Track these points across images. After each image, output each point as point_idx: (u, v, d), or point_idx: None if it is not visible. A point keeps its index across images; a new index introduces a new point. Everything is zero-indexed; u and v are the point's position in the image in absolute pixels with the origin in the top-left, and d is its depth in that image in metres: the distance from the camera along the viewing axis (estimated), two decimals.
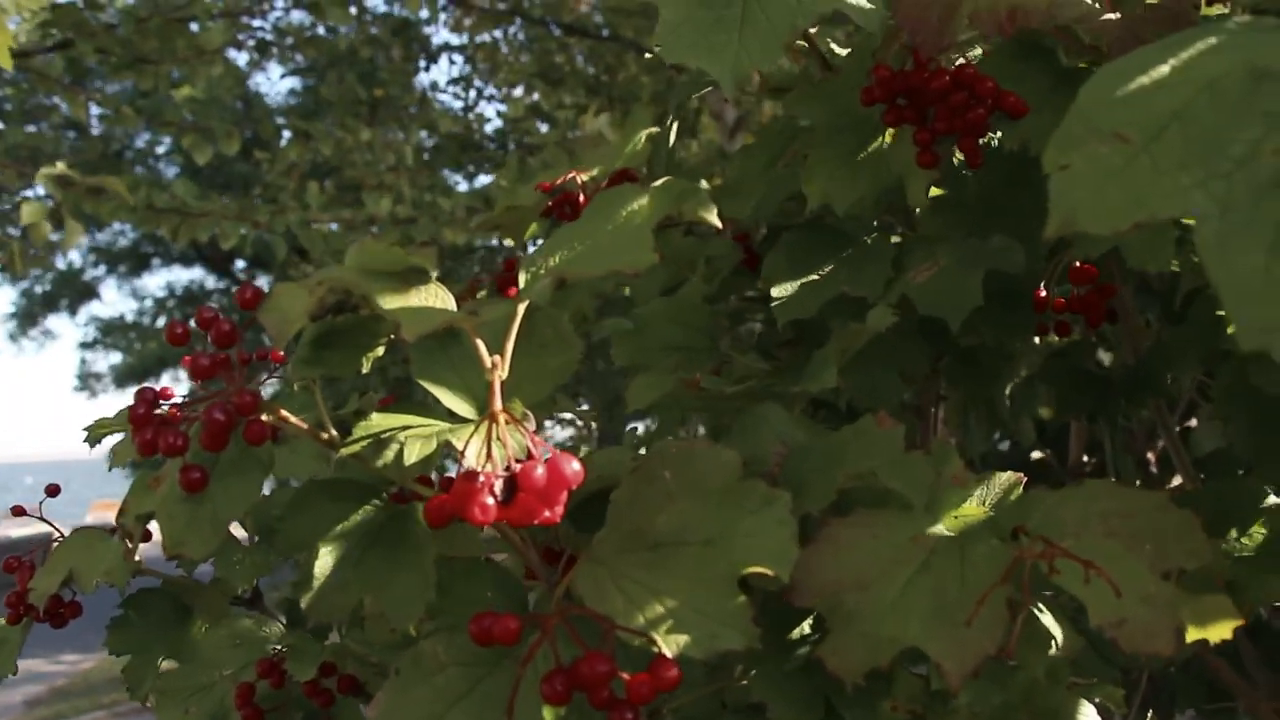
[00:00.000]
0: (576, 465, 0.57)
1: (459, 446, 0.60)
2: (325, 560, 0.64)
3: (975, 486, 0.80)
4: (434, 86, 10.47)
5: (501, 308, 0.59)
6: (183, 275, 17.32)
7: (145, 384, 0.65)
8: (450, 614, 0.66)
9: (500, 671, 0.62)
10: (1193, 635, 0.72)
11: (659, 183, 0.62)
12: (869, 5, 0.85)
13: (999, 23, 0.78)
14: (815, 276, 0.99)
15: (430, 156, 6.54)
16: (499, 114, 7.19)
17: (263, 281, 16.60)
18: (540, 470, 0.56)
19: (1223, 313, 1.17)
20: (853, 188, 0.94)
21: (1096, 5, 0.85)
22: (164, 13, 3.82)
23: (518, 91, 6.79)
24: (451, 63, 7.63)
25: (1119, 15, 0.87)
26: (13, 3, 1.58)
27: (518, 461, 0.57)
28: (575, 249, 0.63)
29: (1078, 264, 0.96)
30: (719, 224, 0.60)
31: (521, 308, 0.61)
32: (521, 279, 0.64)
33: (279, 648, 0.95)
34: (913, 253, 0.96)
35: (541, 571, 0.72)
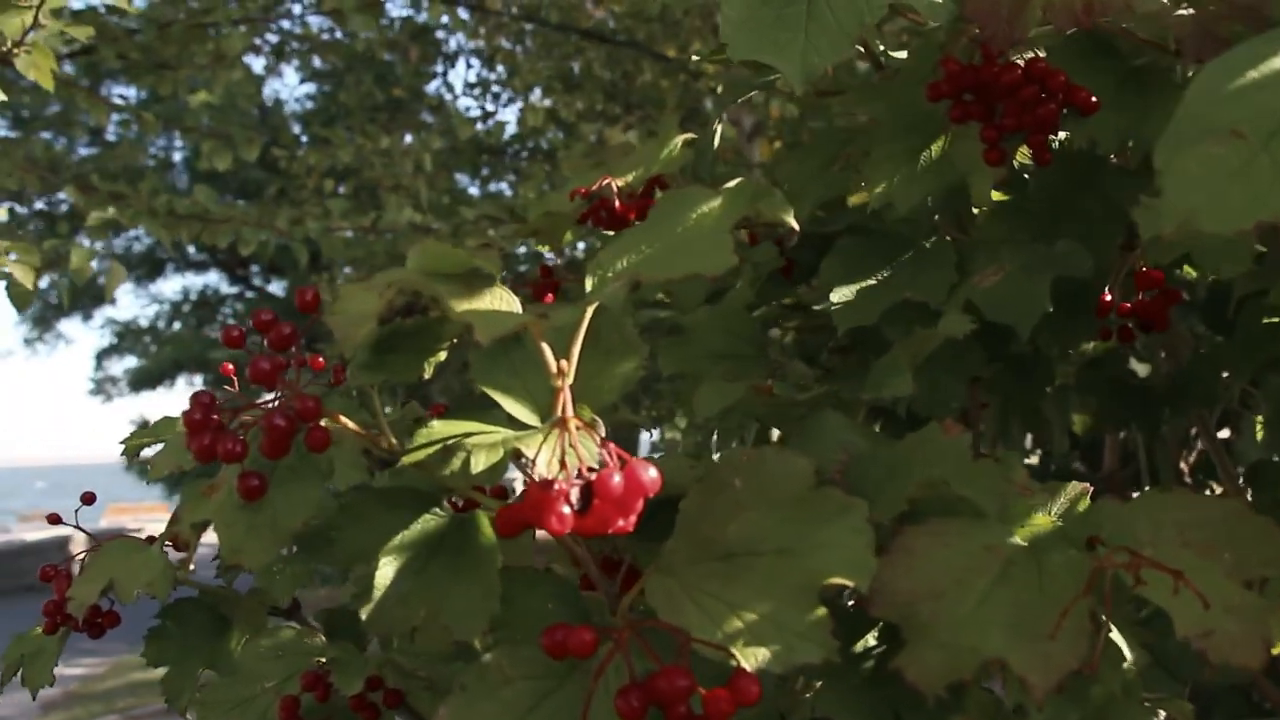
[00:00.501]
0: (654, 472, 0.55)
1: (529, 454, 0.58)
2: (386, 571, 0.62)
3: (1042, 496, 0.79)
4: (450, 90, 10.50)
5: (570, 311, 0.58)
6: (198, 280, 17.34)
7: (201, 389, 0.63)
8: (512, 626, 0.65)
9: (569, 685, 0.60)
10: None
11: (732, 184, 0.60)
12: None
13: (1075, 16, 0.77)
14: (873, 281, 0.97)
15: (447, 159, 6.53)
16: (517, 121, 7.17)
17: (276, 288, 16.65)
18: (618, 478, 0.54)
19: (1274, 320, 1.15)
20: (915, 187, 0.92)
21: (1167, 1, 0.84)
22: (186, 18, 3.82)
23: (535, 95, 6.78)
24: (469, 66, 7.65)
25: (1191, 11, 0.85)
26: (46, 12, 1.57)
27: (590, 469, 0.56)
28: (644, 252, 0.61)
29: (1143, 268, 0.94)
30: (796, 225, 0.58)
31: (590, 311, 0.59)
32: (588, 283, 0.62)
33: (322, 660, 0.93)
34: (975, 257, 0.94)
35: (601, 582, 0.70)
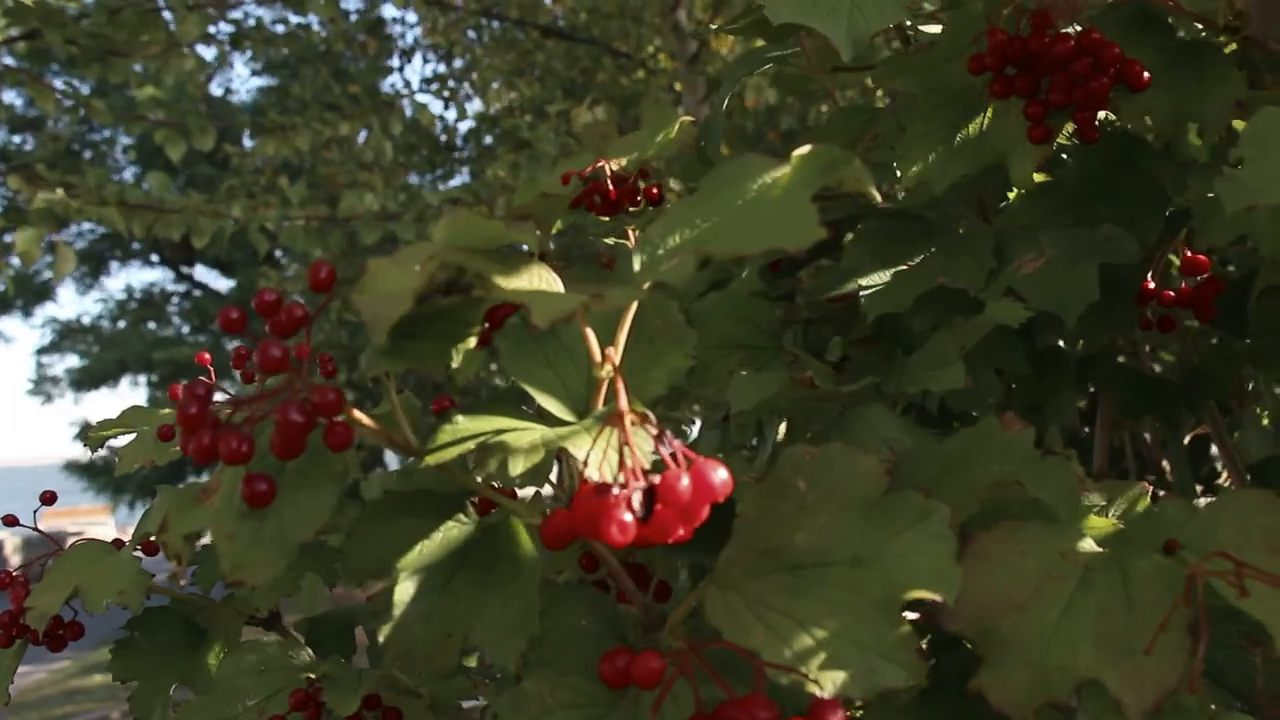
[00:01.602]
0: (724, 473, 0.49)
1: (577, 454, 0.51)
2: (406, 586, 0.55)
3: (1099, 496, 0.73)
4: (408, 85, 10.35)
5: (627, 292, 0.51)
6: (142, 277, 17.01)
7: (196, 379, 0.56)
8: (544, 645, 0.58)
9: (616, 715, 0.53)
10: None
11: (804, 150, 0.54)
12: None
13: None
14: (903, 267, 0.91)
15: (404, 156, 6.42)
16: (476, 114, 7.04)
17: (222, 285, 16.36)
18: (685, 480, 0.48)
19: None
20: (951, 167, 0.87)
21: None
22: (137, 3, 3.68)
23: (495, 86, 6.68)
24: (426, 60, 7.50)
25: None
26: None
27: (644, 470, 0.49)
28: (700, 226, 0.55)
29: (1189, 253, 0.88)
30: (878, 196, 0.52)
31: (640, 294, 0.53)
32: (635, 261, 0.55)
33: (312, 676, 0.86)
34: (1013, 242, 0.88)
35: (636, 596, 0.64)
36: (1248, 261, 1.08)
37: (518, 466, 0.52)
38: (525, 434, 0.55)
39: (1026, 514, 0.65)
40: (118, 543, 0.96)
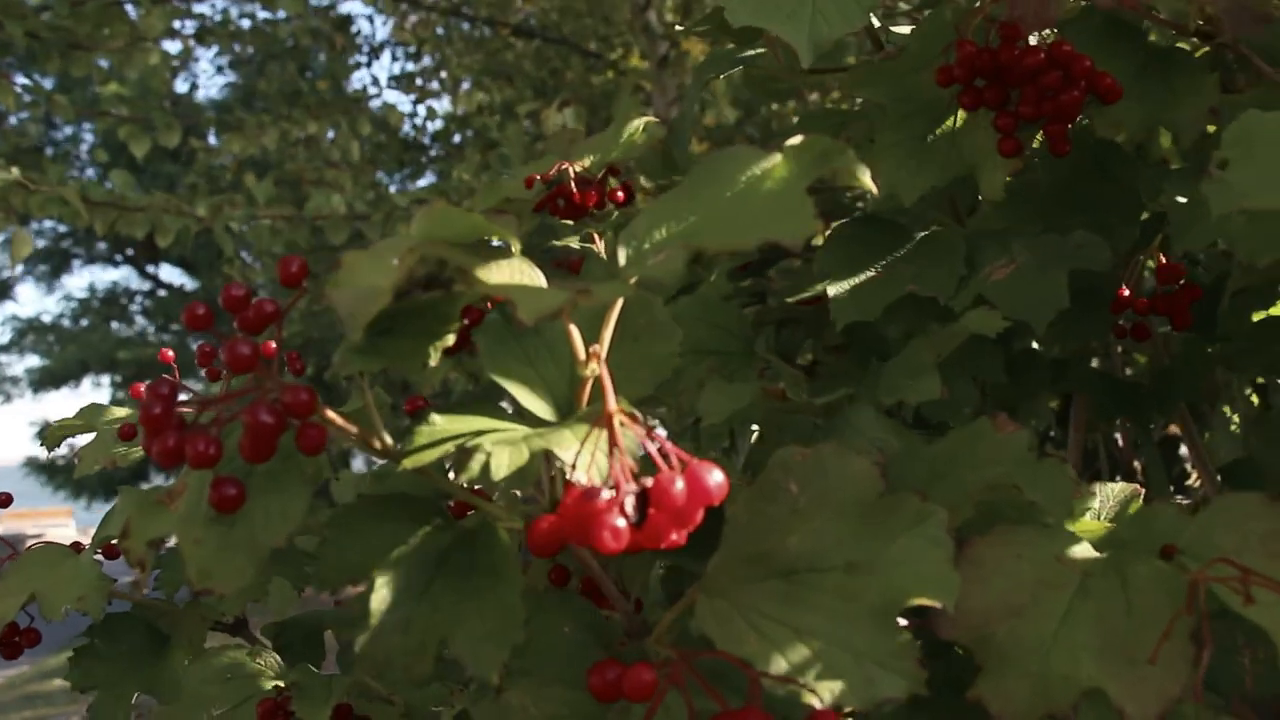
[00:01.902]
0: (719, 476, 0.47)
1: (564, 456, 0.49)
2: (383, 594, 0.53)
3: (1089, 499, 0.72)
4: (375, 83, 10.27)
5: (614, 287, 0.49)
6: (105, 276, 16.79)
7: (160, 378, 0.53)
8: (525, 654, 0.56)
9: None
10: None
11: (796, 141, 0.52)
12: None
13: None
14: (873, 273, 0.90)
15: (372, 155, 6.36)
16: (443, 114, 6.99)
17: (189, 284, 16.16)
18: (680, 484, 0.46)
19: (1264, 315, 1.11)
20: (921, 178, 0.85)
21: None
22: None
23: (464, 88, 6.63)
24: (394, 59, 7.43)
25: None
26: None
27: (633, 473, 0.47)
28: (688, 219, 0.53)
29: (1164, 260, 0.87)
30: (875, 188, 0.50)
31: (627, 289, 0.50)
32: (620, 255, 0.53)
33: (280, 684, 0.83)
34: (984, 249, 0.87)
35: (621, 604, 0.62)
36: (1218, 264, 1.07)
37: (501, 468, 0.49)
38: (507, 435, 0.52)
39: (1020, 517, 0.63)
40: (77, 546, 0.93)
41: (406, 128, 6.94)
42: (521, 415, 0.58)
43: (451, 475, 0.52)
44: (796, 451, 0.55)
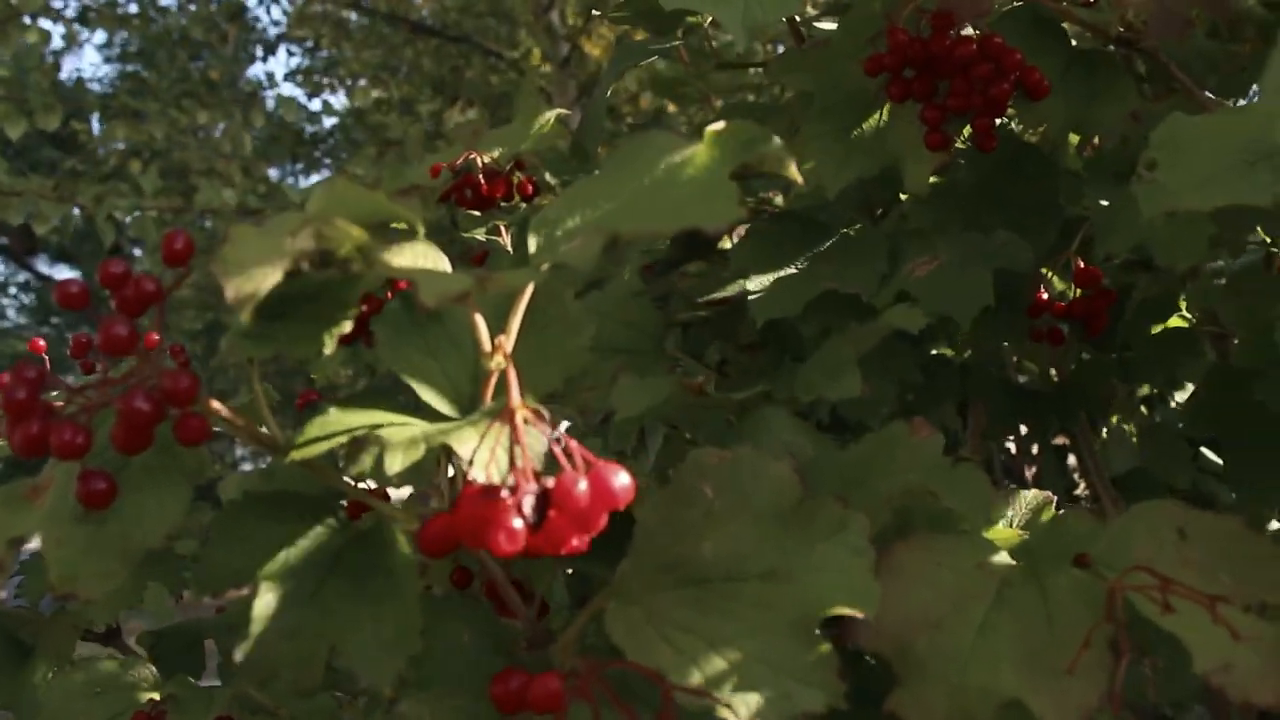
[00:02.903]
0: (625, 478, 0.44)
1: (461, 451, 0.46)
2: (267, 598, 0.49)
3: (1003, 506, 0.71)
4: (270, 79, 10.03)
5: (522, 274, 0.46)
6: None
7: (23, 359, 0.48)
8: (422, 662, 0.52)
9: None
10: None
11: (718, 127, 0.49)
12: None
13: None
14: (793, 270, 0.88)
15: (264, 148, 6.19)
16: (340, 109, 6.85)
17: (66, 275, 15.57)
18: (583, 485, 0.43)
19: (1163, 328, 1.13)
20: (845, 170, 0.84)
21: None
22: None
23: (361, 84, 6.51)
24: (290, 54, 7.25)
25: None
26: None
27: (535, 473, 0.44)
28: (604, 206, 0.50)
29: (1082, 265, 0.88)
30: (800, 178, 0.48)
31: (537, 276, 0.47)
32: (531, 242, 0.50)
33: (154, 697, 0.78)
34: (906, 246, 0.86)
35: (522, 611, 0.58)
36: (1121, 275, 1.09)
37: (395, 463, 0.46)
38: (404, 429, 0.49)
39: (934, 524, 0.62)
40: None
41: (301, 121, 6.79)
42: (420, 410, 0.55)
43: (343, 469, 0.48)
44: (712, 453, 0.53)
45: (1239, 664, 0.53)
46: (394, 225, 0.51)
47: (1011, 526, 0.70)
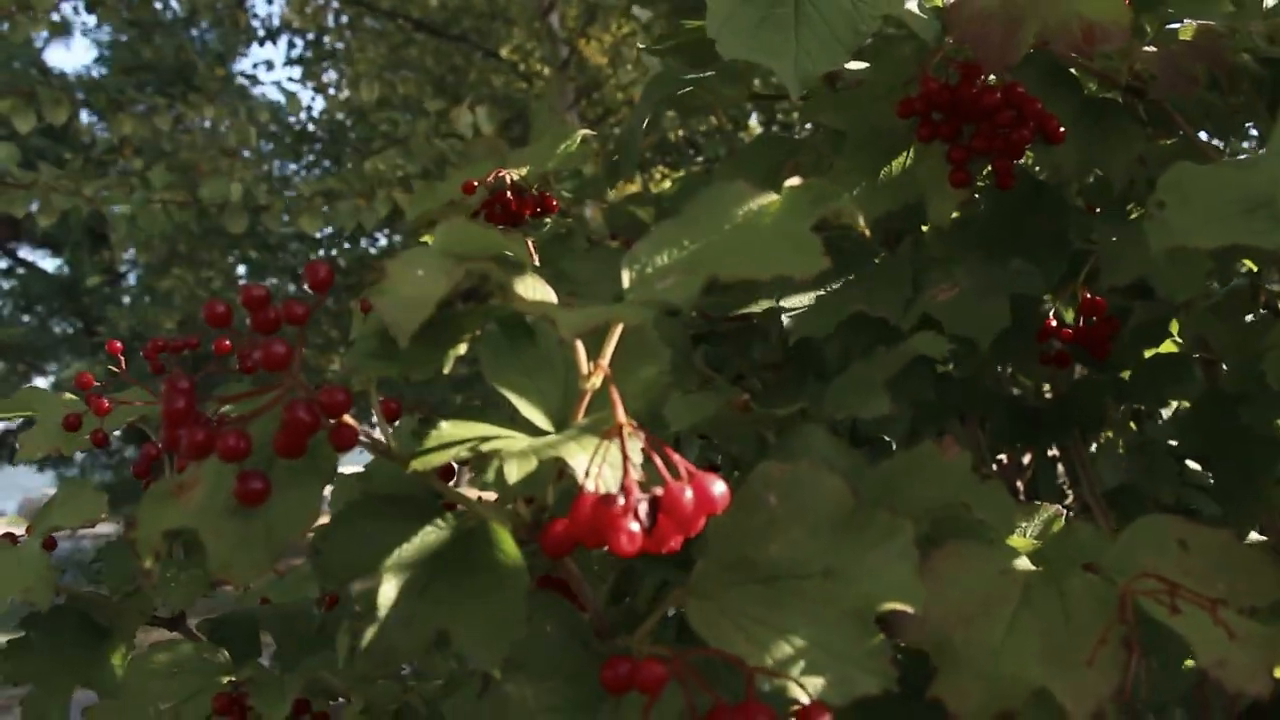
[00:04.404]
0: (722, 487, 0.51)
1: (574, 464, 0.53)
2: (387, 590, 0.55)
3: (1021, 518, 0.78)
4: (269, 67, 10.01)
5: (632, 310, 0.53)
6: None
7: (178, 372, 0.55)
8: (519, 651, 0.59)
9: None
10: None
11: (794, 183, 0.56)
12: (923, 15, 0.83)
13: (1075, 41, 0.76)
14: (822, 292, 0.95)
15: (270, 145, 6.23)
16: (344, 104, 6.87)
17: (50, 265, 15.50)
18: (689, 493, 0.50)
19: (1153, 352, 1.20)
20: (875, 203, 0.91)
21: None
22: None
23: (364, 81, 6.54)
24: (292, 46, 7.30)
25: (1156, 49, 0.87)
26: None
27: (638, 482, 0.51)
28: (689, 246, 0.57)
29: (1088, 294, 0.95)
30: (867, 230, 0.55)
31: (647, 312, 0.54)
32: (625, 278, 0.57)
33: (231, 679, 0.84)
34: (928, 273, 0.93)
35: (594, 606, 0.65)
36: (1117, 301, 1.16)
37: (513, 473, 0.53)
38: (514, 441, 0.56)
39: (963, 533, 0.69)
40: (10, 536, 0.92)
41: (304, 118, 6.83)
42: (518, 424, 0.61)
43: (469, 478, 0.55)
44: (775, 467, 0.60)
45: (1233, 660, 0.60)
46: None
47: (1027, 536, 0.78)
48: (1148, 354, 1.18)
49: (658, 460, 0.52)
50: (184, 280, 7.49)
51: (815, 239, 0.51)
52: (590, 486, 0.52)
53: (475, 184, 1.18)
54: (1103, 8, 0.76)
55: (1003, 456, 1.53)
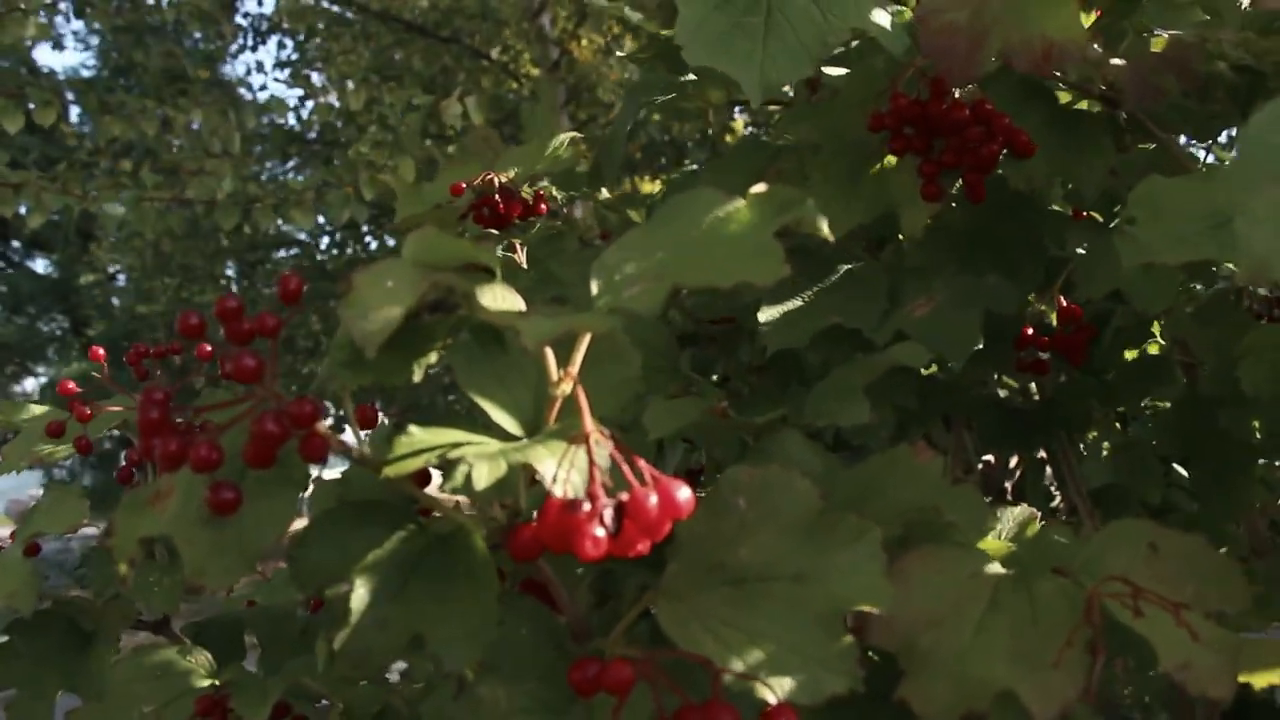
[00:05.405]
0: (687, 493, 0.52)
1: (541, 469, 0.53)
2: (361, 594, 0.56)
3: (994, 521, 0.79)
4: (260, 67, 10.01)
5: (600, 318, 0.53)
6: None
7: (154, 383, 0.55)
8: (493, 653, 0.60)
9: None
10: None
11: (759, 190, 0.57)
12: (891, 29, 0.83)
13: (1035, 60, 0.77)
14: (799, 302, 0.96)
15: (259, 146, 6.24)
16: (329, 105, 6.87)
17: (39, 264, 15.47)
18: (654, 498, 0.50)
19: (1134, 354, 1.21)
20: (849, 213, 0.92)
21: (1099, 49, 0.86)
22: None
23: (351, 85, 6.55)
24: (282, 46, 7.30)
25: (1124, 61, 0.88)
26: None
27: (605, 487, 0.52)
28: (657, 255, 0.58)
29: (1064, 302, 0.96)
30: (831, 236, 0.56)
31: (613, 321, 0.55)
32: (593, 285, 0.58)
33: (214, 682, 0.84)
34: (905, 285, 0.94)
35: (570, 608, 0.66)
36: (1098, 304, 1.17)
37: (482, 480, 0.53)
38: (484, 448, 0.56)
39: (934, 537, 0.70)
40: None
41: (292, 120, 6.83)
42: (490, 429, 0.62)
43: (438, 483, 0.55)
44: (745, 471, 0.61)
45: (1197, 663, 0.61)
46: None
47: (1001, 538, 0.79)
48: (1130, 356, 1.19)
49: (624, 466, 0.52)
50: (169, 286, 7.50)
51: (777, 246, 0.52)
52: (558, 492, 0.52)
53: (464, 186, 1.19)
54: (1064, 27, 0.77)
55: (990, 458, 1.55)
